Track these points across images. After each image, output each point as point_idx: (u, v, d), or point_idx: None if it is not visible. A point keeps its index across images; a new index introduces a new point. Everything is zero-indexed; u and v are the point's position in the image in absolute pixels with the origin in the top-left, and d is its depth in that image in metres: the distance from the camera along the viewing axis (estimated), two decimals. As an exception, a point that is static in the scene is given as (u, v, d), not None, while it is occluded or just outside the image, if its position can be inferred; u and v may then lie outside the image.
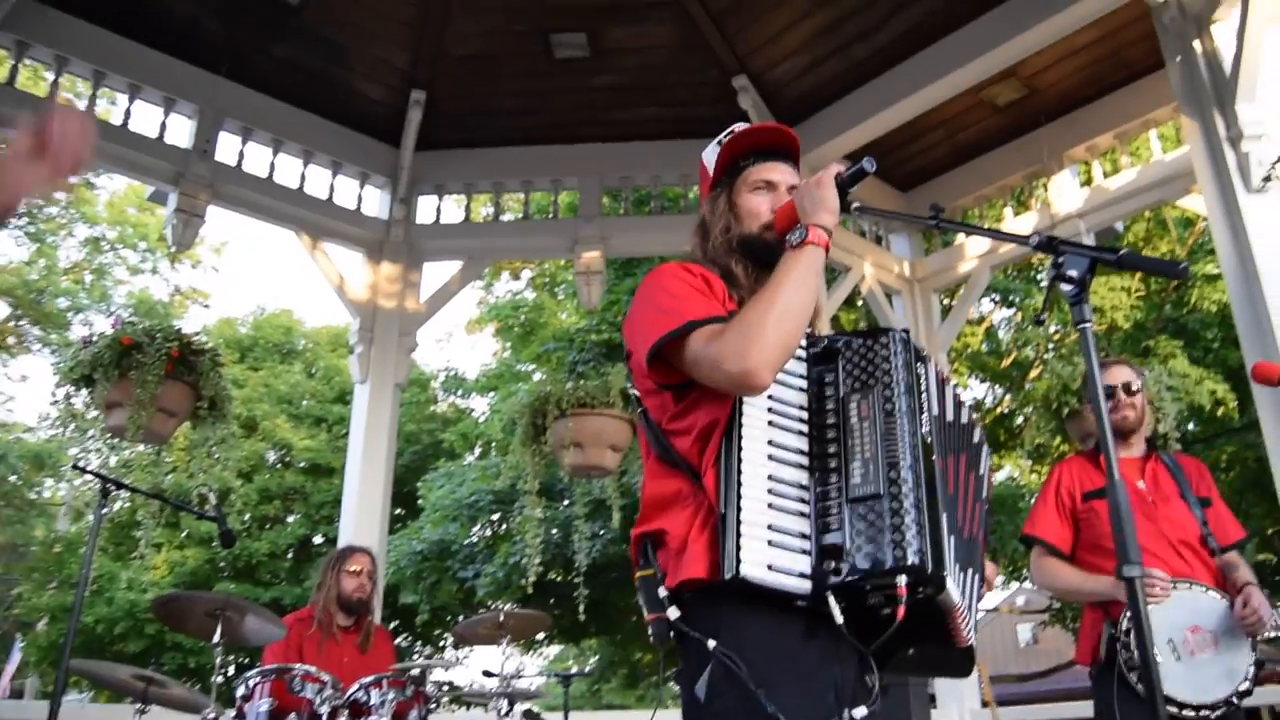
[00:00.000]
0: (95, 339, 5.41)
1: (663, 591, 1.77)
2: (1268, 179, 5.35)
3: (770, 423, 1.79)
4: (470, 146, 7.82)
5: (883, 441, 1.74)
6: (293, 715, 3.69)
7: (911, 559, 1.64)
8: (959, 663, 1.98)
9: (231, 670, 18.09)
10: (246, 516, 20.01)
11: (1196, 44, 5.86)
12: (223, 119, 6.87)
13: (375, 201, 7.74)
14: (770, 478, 1.73)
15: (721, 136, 2.17)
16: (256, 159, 7.10)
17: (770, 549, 1.67)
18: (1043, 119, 7.59)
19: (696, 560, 1.73)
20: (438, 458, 19.91)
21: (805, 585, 1.67)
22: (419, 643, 20.44)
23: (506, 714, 4.58)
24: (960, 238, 8.20)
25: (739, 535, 1.65)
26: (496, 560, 15.77)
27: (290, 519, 20.71)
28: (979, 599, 1.99)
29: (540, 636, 19.16)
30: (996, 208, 8.35)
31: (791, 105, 7.32)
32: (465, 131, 7.73)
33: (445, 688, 4.70)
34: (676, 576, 1.76)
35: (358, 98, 7.37)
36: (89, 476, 4.39)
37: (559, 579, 15.47)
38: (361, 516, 6.87)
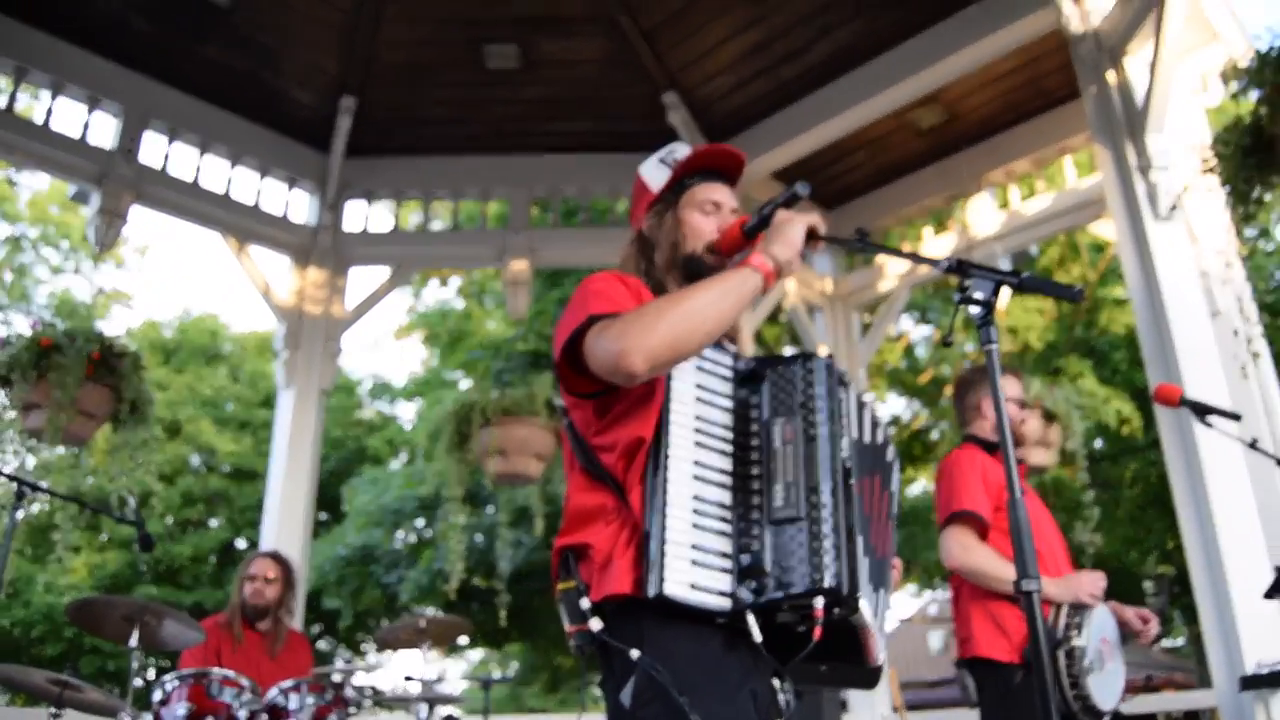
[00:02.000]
0: (13, 340, 5.34)
1: (585, 604, 1.79)
2: (1174, 207, 5.57)
3: (697, 443, 1.82)
4: (400, 154, 7.82)
5: (804, 465, 1.78)
6: (210, 719, 3.69)
7: (829, 581, 1.69)
8: (868, 677, 2.04)
9: (152, 674, 17.75)
10: (169, 520, 19.61)
11: (1111, 75, 6.07)
12: (148, 119, 6.79)
13: (303, 207, 7.70)
14: (695, 497, 1.77)
15: (662, 154, 2.20)
16: (182, 161, 7.05)
17: (694, 568, 1.71)
18: (963, 143, 7.80)
19: (621, 576, 1.75)
20: (363, 463, 19.74)
21: (726, 604, 1.72)
22: (341, 647, 20.21)
23: (428, 718, 4.62)
24: (881, 257, 8.39)
25: (663, 555, 1.69)
26: (420, 566, 15.69)
27: (213, 523, 20.35)
28: (887, 616, 2.06)
29: (462, 641, 19.10)
30: (917, 228, 8.57)
31: (720, 122, 7.45)
32: (395, 139, 7.72)
33: (367, 692, 4.71)
34: (600, 591, 1.78)
35: (287, 102, 7.33)
36: (3, 479, 4.32)
37: (482, 585, 15.42)
38: (284, 521, 6.83)
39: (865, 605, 1.80)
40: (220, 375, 21.98)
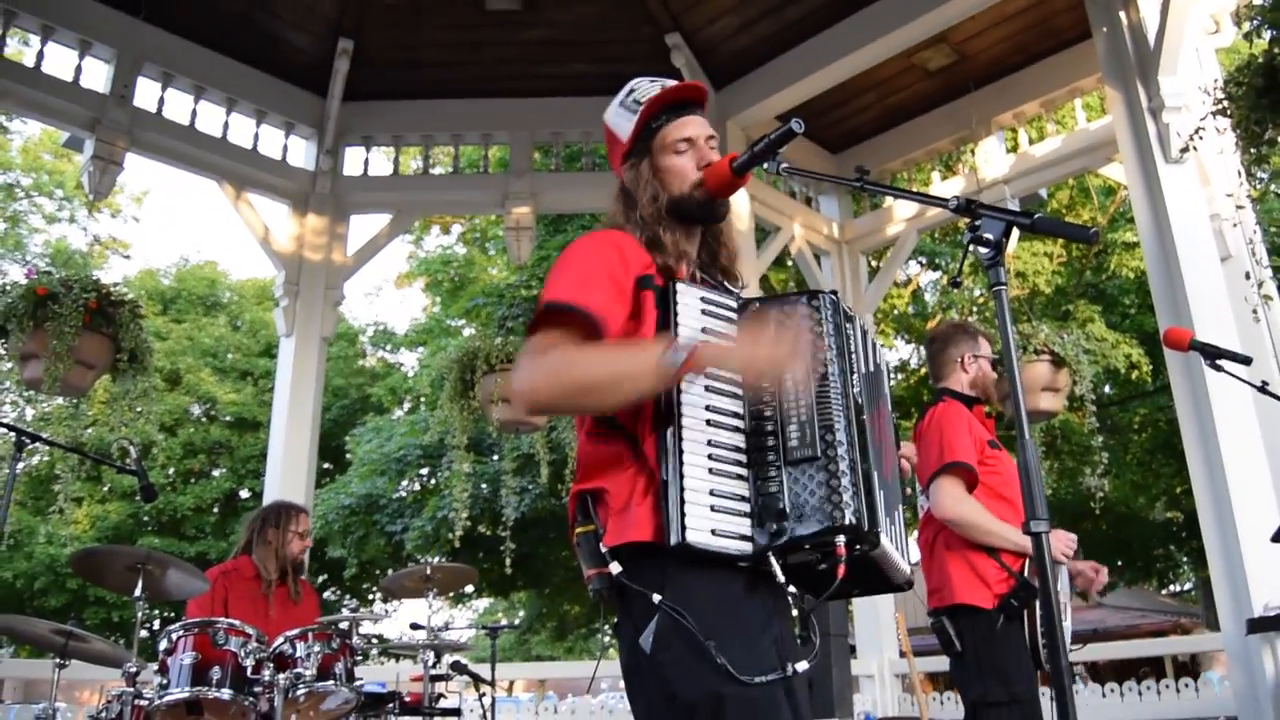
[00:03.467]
0: (9, 289, 5.27)
1: (604, 547, 1.78)
2: (1185, 150, 5.49)
3: (707, 387, 1.81)
4: (399, 98, 7.69)
5: (817, 404, 1.78)
6: (216, 668, 3.67)
7: (849, 519, 1.70)
8: (899, 588, 2.03)
9: (156, 625, 17.90)
10: (170, 471, 19.68)
11: (1122, 16, 5.98)
12: (141, 63, 6.66)
13: (301, 152, 7.59)
14: (710, 443, 1.76)
15: (622, 97, 2.13)
16: (177, 106, 6.91)
17: (714, 514, 1.71)
18: (972, 85, 7.68)
19: (642, 524, 1.75)
20: (366, 412, 19.75)
21: (748, 547, 1.72)
22: (347, 596, 20.38)
23: (434, 666, 4.62)
24: (889, 200, 8.31)
25: (683, 503, 1.69)
26: (424, 514, 15.74)
27: (215, 473, 20.42)
28: (905, 534, 2.06)
29: (468, 590, 19.24)
30: (925, 172, 8.47)
31: (724, 64, 7.33)
32: (394, 82, 7.60)
33: (373, 640, 4.71)
34: (620, 537, 1.78)
35: (283, 45, 7.20)
36: (2, 429, 4.29)
37: (487, 533, 15.48)
38: (288, 471, 6.82)
39: (885, 540, 1.80)
40: (220, 324, 21.93)
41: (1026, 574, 3.30)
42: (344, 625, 4.13)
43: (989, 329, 6.43)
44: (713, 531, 1.70)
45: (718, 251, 2.13)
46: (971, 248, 1.86)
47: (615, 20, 7.16)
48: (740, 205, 7.36)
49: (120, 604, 17.31)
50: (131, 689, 3.67)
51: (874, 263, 10.19)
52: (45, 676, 4.14)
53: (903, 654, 7.18)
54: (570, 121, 7.77)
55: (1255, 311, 5.37)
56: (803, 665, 1.75)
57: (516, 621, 23.73)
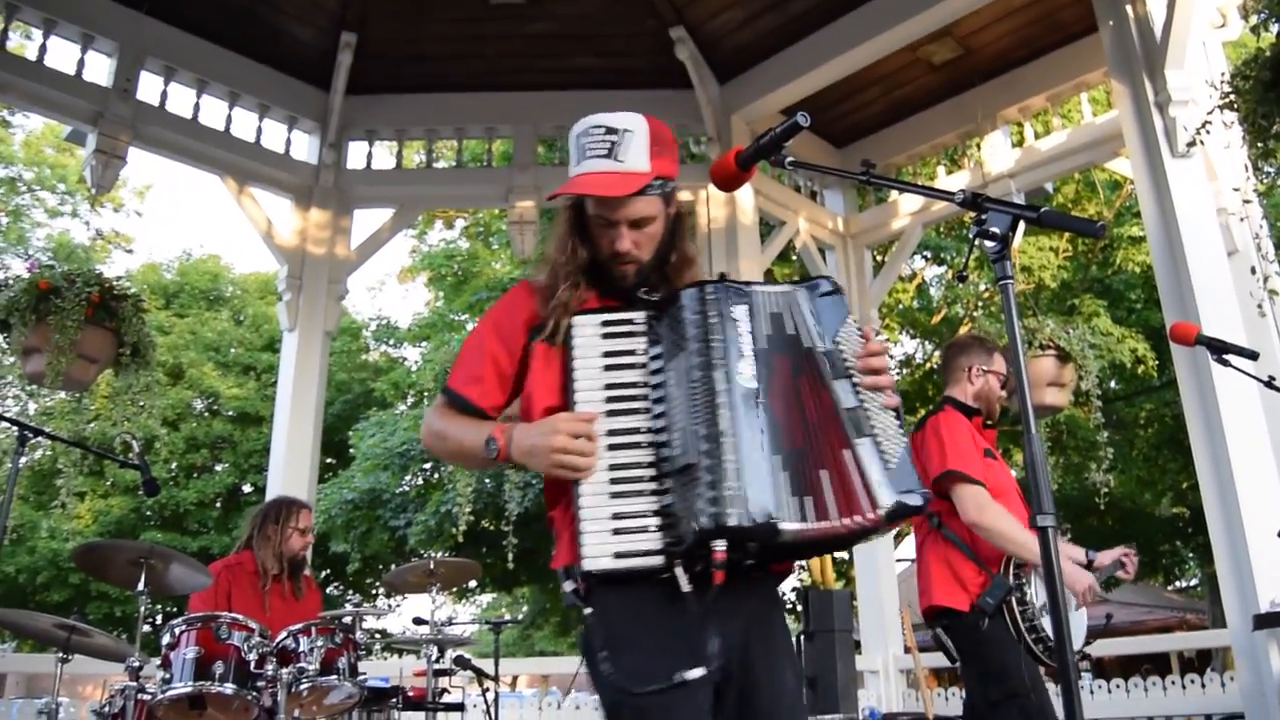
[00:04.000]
0: (10, 283, 5.26)
1: (560, 568, 1.92)
2: (1192, 144, 5.47)
3: (609, 411, 1.85)
4: (402, 91, 7.67)
5: (689, 406, 1.78)
6: (219, 663, 3.67)
7: (733, 520, 1.69)
8: (846, 543, 1.92)
9: (159, 620, 17.91)
10: (173, 465, 19.69)
11: (1129, 9, 5.95)
12: (144, 57, 6.65)
13: (304, 146, 7.57)
14: (611, 465, 1.81)
15: (579, 129, 2.17)
16: (180, 100, 6.89)
17: (616, 537, 1.76)
18: (977, 79, 7.66)
19: (567, 548, 1.87)
20: (369, 407, 19.72)
21: (657, 560, 1.76)
22: (350, 591, 20.39)
23: (438, 661, 4.61)
24: (894, 195, 8.28)
25: (581, 535, 1.77)
26: (428, 509, 15.73)
27: (218, 468, 20.43)
28: (888, 444, 1.87)
29: (471, 584, 19.24)
30: (930, 166, 8.44)
31: (729, 58, 7.32)
32: (397, 76, 7.58)
33: (377, 635, 4.70)
34: (561, 559, 1.92)
35: (286, 39, 7.18)
36: (6, 424, 4.28)
37: (491, 527, 15.46)
38: (291, 465, 6.81)
39: (788, 525, 1.72)
40: (223, 318, 21.93)
41: (1003, 574, 3.34)
42: (347, 620, 4.12)
43: (995, 324, 6.44)
44: (616, 554, 1.76)
45: (667, 255, 2.08)
46: (977, 242, 1.84)
47: (619, 14, 7.14)
48: (745, 200, 7.34)
49: (123, 599, 17.34)
50: (134, 683, 3.67)
51: (879, 257, 10.15)
52: (48, 671, 4.12)
53: (907, 649, 7.16)
54: (574, 115, 7.50)
55: (1261, 306, 5.36)
56: (695, 673, 1.70)
57: (520, 616, 23.73)
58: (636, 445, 1.83)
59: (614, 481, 1.80)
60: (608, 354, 1.88)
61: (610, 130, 2.09)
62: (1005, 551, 3.36)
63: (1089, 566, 3.68)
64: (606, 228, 2.02)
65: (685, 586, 1.74)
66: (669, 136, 2.13)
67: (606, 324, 1.91)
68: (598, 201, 2.03)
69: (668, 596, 1.76)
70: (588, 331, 1.89)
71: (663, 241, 2.06)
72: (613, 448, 1.82)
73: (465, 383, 2.08)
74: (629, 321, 1.92)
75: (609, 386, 1.86)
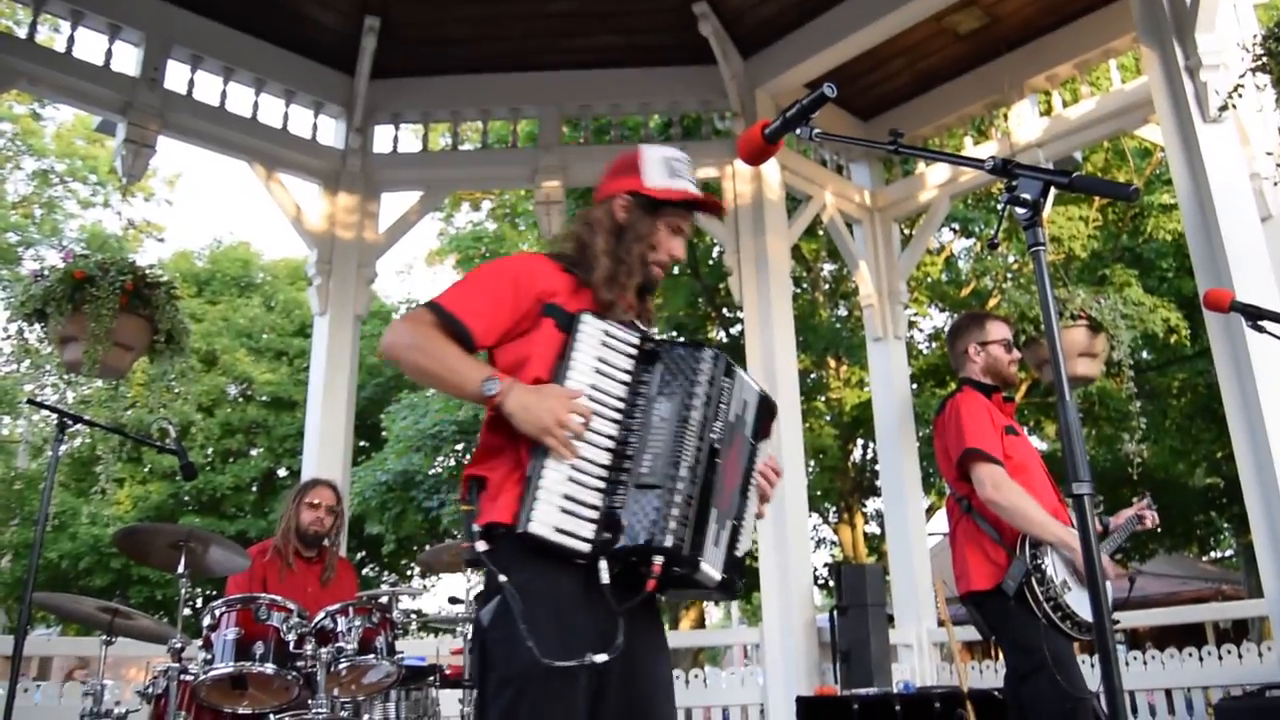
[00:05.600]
0: (46, 273, 5.33)
1: (477, 526, 2.06)
2: (1224, 108, 5.39)
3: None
4: (426, 74, 7.67)
5: (673, 443, 2.03)
6: (259, 643, 3.73)
7: (670, 543, 1.95)
8: (723, 591, 2.18)
9: (200, 603, 18.17)
10: (209, 450, 19.90)
11: (1158, -29, 5.85)
12: (170, 46, 6.69)
13: (330, 131, 7.60)
14: (574, 454, 2.00)
15: (673, 155, 2.37)
16: (207, 87, 6.94)
17: (561, 515, 1.96)
18: (1003, 48, 7.55)
19: (504, 508, 2.02)
20: (400, 389, 19.83)
21: (584, 547, 1.96)
22: (386, 572, 20.57)
23: (472, 639, 4.65)
24: (921, 166, 8.22)
25: (534, 498, 1.95)
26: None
27: (253, 452, 20.63)
28: (746, 523, 2.24)
29: (505, 564, 19.32)
30: (957, 137, 8.36)
31: (752, 32, 7.27)
32: (421, 59, 7.58)
33: (413, 615, 4.76)
34: (487, 517, 2.06)
35: (310, 24, 7.20)
36: (46, 412, 4.35)
37: (522, 508, 15.58)
38: (324, 449, 6.87)
39: (706, 565, 2.03)
40: (254, 304, 22.09)
41: (1019, 553, 3.38)
42: (384, 600, 4.17)
43: (1026, 293, 6.38)
44: (556, 528, 1.95)
45: (645, 298, 2.39)
46: (1008, 209, 1.85)
47: (641, -10, 7.08)
48: (771, 175, 7.31)
49: (164, 582, 17.59)
50: (177, 664, 3.74)
51: (906, 230, 10.08)
52: (93, 654, 4.21)
53: (941, 623, 7.16)
54: (598, 94, 7.74)
55: (1296, 271, 5.29)
56: (601, 657, 1.93)
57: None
58: (599, 447, 2.02)
59: (574, 468, 1.99)
60: (601, 360, 2.09)
61: (691, 168, 2.41)
62: (1021, 530, 3.39)
63: (1105, 533, 3.69)
64: (675, 234, 2.35)
65: (605, 579, 1.95)
66: None
67: (608, 333, 2.11)
68: (683, 211, 2.35)
69: (581, 585, 1.98)
70: (592, 331, 2.10)
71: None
72: (583, 440, 2.01)
73: (471, 315, 2.14)
74: (627, 343, 2.12)
75: (593, 388, 2.06)
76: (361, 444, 19.12)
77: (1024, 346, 6.13)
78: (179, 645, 3.79)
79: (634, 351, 2.12)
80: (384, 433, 18.07)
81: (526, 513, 1.93)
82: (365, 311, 7.46)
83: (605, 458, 2.03)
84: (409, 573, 20.71)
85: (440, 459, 17.17)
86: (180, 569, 3.91)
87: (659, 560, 1.95)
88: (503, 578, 1.97)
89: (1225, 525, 18.87)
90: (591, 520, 1.97)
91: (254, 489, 20.28)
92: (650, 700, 2.13)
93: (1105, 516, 3.77)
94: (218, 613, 3.81)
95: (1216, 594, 18.05)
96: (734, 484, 2.20)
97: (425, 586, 20.34)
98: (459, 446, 16.82)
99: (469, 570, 2.42)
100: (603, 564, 1.96)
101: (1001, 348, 3.79)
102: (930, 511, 15.69)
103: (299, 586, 4.63)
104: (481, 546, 2.02)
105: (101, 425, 4.57)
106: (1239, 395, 5.27)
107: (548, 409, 1.98)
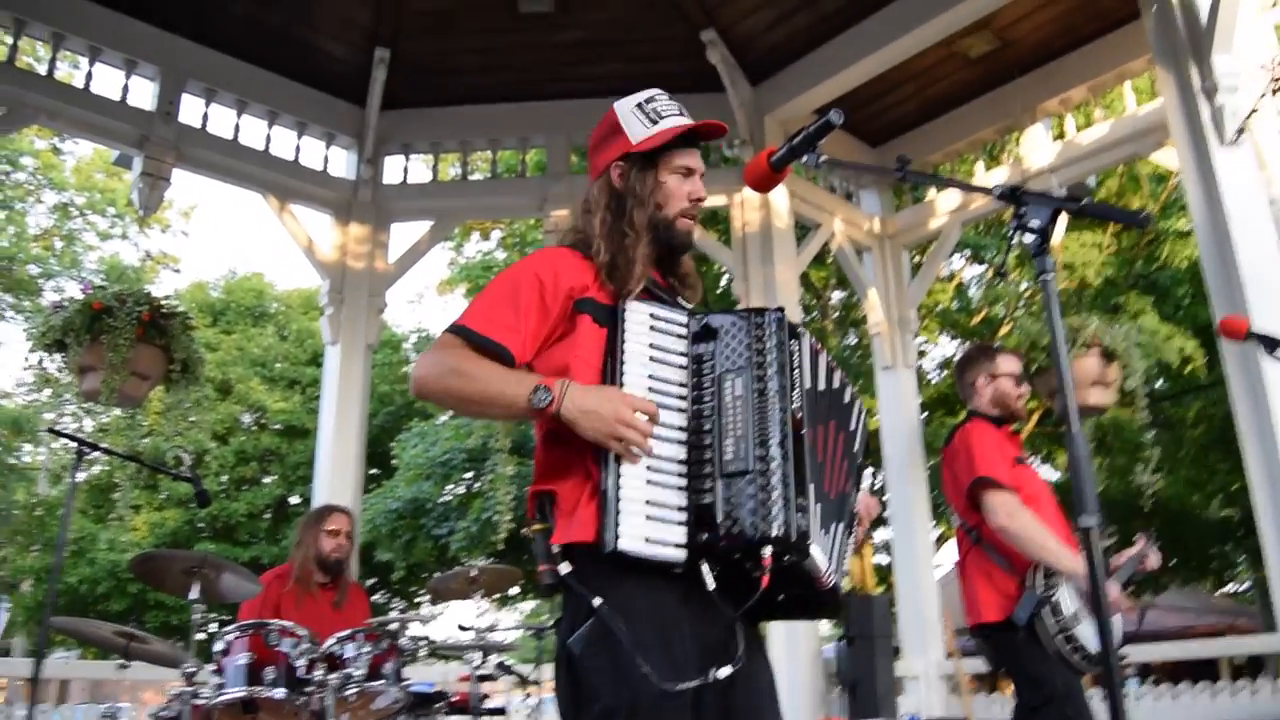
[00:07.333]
0: (66, 304, 5.40)
1: (555, 547, 1.88)
2: (1241, 131, 5.34)
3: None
4: (436, 105, 7.74)
5: (754, 420, 1.84)
6: (270, 668, 3.74)
7: (776, 531, 1.77)
8: (830, 606, 2.09)
9: (214, 628, 18.22)
10: (224, 478, 20.01)
11: (1173, -8, 5.79)
12: (185, 80, 6.78)
13: (342, 162, 7.68)
14: (650, 453, 1.84)
15: (641, 100, 2.20)
16: (221, 120, 7.03)
17: (648, 523, 1.79)
18: (1015, 71, 7.51)
19: (585, 525, 1.84)
20: (411, 418, 19.91)
21: (680, 554, 1.80)
22: (395, 598, 20.57)
23: (481, 666, 4.65)
24: (931, 193, 8.20)
25: (618, 511, 1.78)
26: (470, 517, 15.85)
27: (266, 480, 20.73)
28: (849, 543, 2.10)
29: (514, 591, 19.31)
30: (968, 163, 8.35)
31: (760, 59, 7.30)
32: (431, 90, 7.65)
33: (422, 641, 4.76)
34: (566, 536, 1.88)
35: (321, 56, 7.28)
36: (65, 440, 4.39)
37: (531, 534, 15.56)
38: (336, 476, 6.89)
39: (816, 550, 1.87)
40: (268, 334, 22.25)
41: (1031, 585, 3.37)
42: (393, 626, 4.17)
43: (1038, 322, 6.36)
44: (646, 539, 1.78)
45: (678, 261, 2.18)
46: (1017, 236, 1.84)
47: (648, 19, 7.13)
48: (779, 202, 7.32)
49: (179, 607, 17.63)
50: (190, 689, 3.75)
51: (917, 257, 10.08)
52: (111, 677, 4.23)
53: (949, 655, 7.10)
54: None
55: (1314, 300, 5.23)
56: (725, 671, 1.77)
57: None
58: (673, 441, 1.87)
59: (650, 469, 1.83)
60: (653, 346, 1.93)
61: (669, 96, 2.22)
62: (1034, 559, 3.37)
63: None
64: (686, 177, 2.14)
65: (710, 584, 1.79)
66: None
67: (654, 316, 1.95)
68: (685, 149, 2.14)
69: (680, 595, 1.83)
70: (638, 318, 1.94)
71: None
72: (653, 436, 1.86)
73: (502, 331, 1.95)
74: (675, 323, 1.97)
75: (652, 378, 1.90)
76: (372, 472, 19.18)
77: (1035, 375, 6.09)
78: (192, 670, 3.80)
79: (683, 331, 1.96)
80: (394, 460, 18.13)
81: (612, 529, 1.76)
82: (376, 341, 7.50)
83: (681, 452, 1.87)
84: (418, 599, 20.70)
85: (450, 487, 17.20)
86: (194, 594, 3.92)
87: (768, 552, 1.77)
88: (597, 600, 1.79)
89: (1240, 558, 18.67)
90: (679, 522, 1.81)
91: (267, 515, 20.35)
92: (759, 712, 1.95)
93: (1108, 556, 3.76)
94: (229, 638, 3.83)
95: (1231, 628, 17.83)
96: (839, 470, 2.05)
97: (434, 613, 20.33)
98: (468, 474, 16.85)
99: (548, 595, 2.01)
100: (704, 568, 1.80)
101: (1011, 381, 3.80)
102: (940, 541, 15.60)
103: (315, 612, 4.63)
104: (565, 568, 1.85)
105: (119, 453, 4.61)
106: (1255, 425, 5.19)
107: (611, 409, 1.81)
